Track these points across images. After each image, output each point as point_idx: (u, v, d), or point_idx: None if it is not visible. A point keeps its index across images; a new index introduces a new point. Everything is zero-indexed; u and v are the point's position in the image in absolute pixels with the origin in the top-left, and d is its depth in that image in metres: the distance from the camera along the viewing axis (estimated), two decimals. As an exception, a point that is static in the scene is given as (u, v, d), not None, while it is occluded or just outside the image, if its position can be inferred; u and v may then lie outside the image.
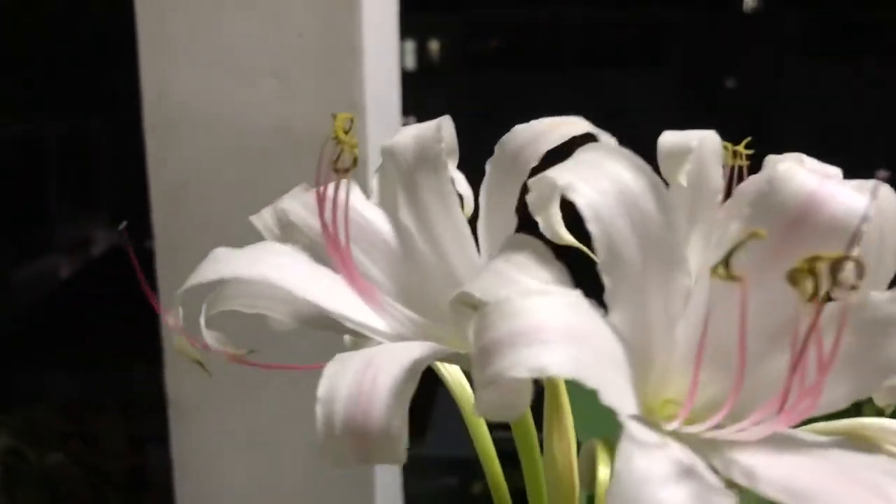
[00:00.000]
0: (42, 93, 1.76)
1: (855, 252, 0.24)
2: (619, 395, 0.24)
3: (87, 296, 1.83)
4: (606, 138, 0.28)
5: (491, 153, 0.32)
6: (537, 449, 0.33)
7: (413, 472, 1.21)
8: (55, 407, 1.62)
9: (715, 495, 0.21)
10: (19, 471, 1.46)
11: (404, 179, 0.33)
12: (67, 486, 1.58)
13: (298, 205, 0.33)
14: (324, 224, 0.31)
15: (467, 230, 0.33)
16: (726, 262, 0.23)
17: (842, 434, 0.31)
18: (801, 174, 0.26)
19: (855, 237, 0.24)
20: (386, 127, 1.04)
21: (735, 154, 0.38)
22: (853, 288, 0.23)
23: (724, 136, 0.37)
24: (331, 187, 0.31)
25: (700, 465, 0.23)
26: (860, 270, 0.23)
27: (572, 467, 0.33)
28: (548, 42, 1.92)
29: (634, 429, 0.22)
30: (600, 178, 0.25)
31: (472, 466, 1.21)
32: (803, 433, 0.27)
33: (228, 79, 0.97)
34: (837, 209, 0.25)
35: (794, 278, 0.23)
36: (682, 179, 0.35)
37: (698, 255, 0.33)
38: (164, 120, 0.98)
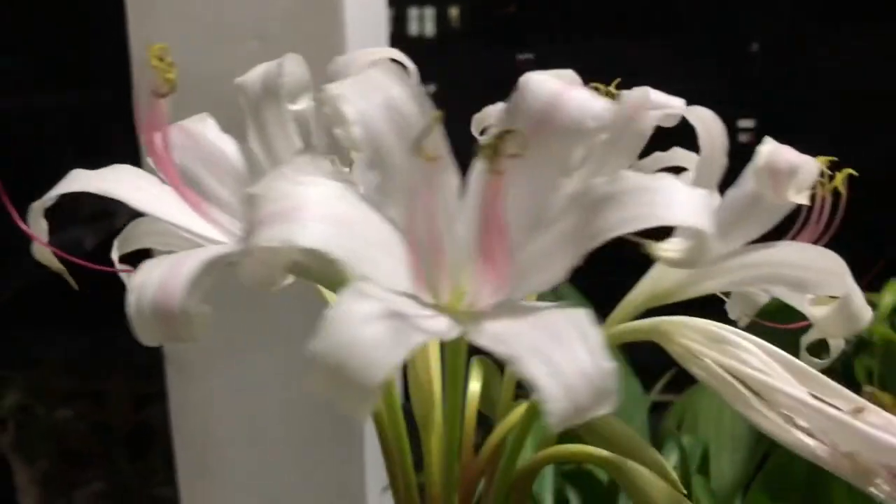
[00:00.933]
0: (55, 63, 1.78)
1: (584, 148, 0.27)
2: (375, 271, 0.26)
3: (105, 265, 1.87)
4: (409, 63, 0.31)
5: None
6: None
7: (411, 425, 1.25)
8: (63, 365, 1.66)
9: (415, 334, 0.24)
10: (29, 426, 1.51)
11: (252, 111, 0.36)
12: (74, 441, 1.64)
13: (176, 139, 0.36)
14: (150, 144, 0.33)
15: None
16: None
17: (646, 331, 0.33)
18: (548, 81, 0.29)
19: (590, 134, 0.27)
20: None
21: (608, 94, 0.40)
22: (514, 156, 0.26)
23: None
24: (155, 114, 0.34)
25: (419, 314, 0.25)
26: (521, 141, 0.26)
27: (429, 371, 0.36)
28: (570, 8, 1.91)
29: (358, 283, 0.25)
30: (368, 89, 0.28)
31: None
32: (537, 303, 0.28)
33: (213, 41, 0.98)
34: (574, 110, 0.28)
35: (479, 152, 0.27)
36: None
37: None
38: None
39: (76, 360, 1.70)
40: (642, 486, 0.34)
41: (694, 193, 0.27)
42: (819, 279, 0.33)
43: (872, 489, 0.29)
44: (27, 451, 1.51)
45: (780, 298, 0.37)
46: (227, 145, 0.36)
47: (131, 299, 0.27)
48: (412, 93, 0.29)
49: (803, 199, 0.34)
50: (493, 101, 0.40)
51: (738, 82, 1.85)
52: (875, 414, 0.29)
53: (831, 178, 0.36)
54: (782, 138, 0.37)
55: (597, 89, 0.37)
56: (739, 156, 0.37)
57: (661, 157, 0.42)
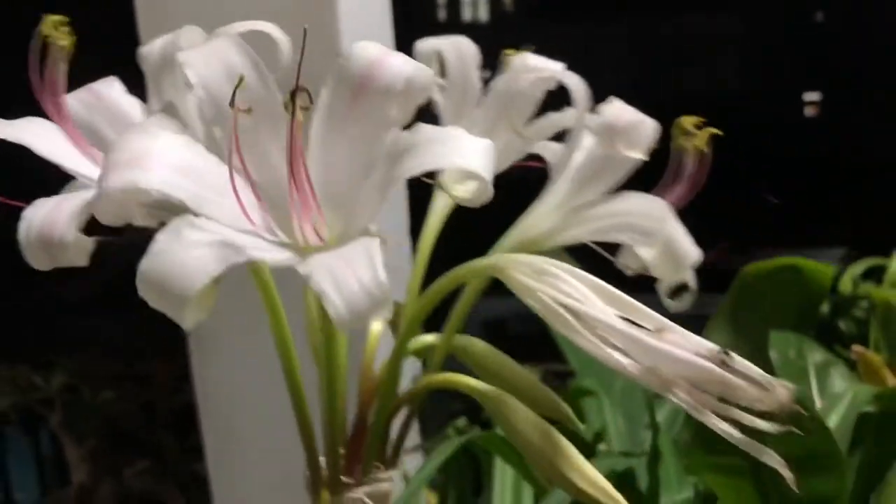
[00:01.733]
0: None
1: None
2: (215, 211, 0.31)
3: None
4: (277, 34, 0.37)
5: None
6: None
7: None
8: (108, 349, 1.75)
9: (234, 255, 0.28)
10: (75, 406, 1.60)
11: (152, 78, 0.40)
12: (121, 421, 1.73)
13: (76, 101, 0.41)
14: (53, 106, 0.37)
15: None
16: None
17: (485, 267, 0.36)
18: (370, 48, 0.33)
19: (409, 95, 0.31)
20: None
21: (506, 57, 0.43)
22: (306, 108, 0.32)
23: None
24: (55, 80, 0.38)
25: (243, 244, 0.30)
26: (309, 96, 0.31)
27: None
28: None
29: (186, 217, 0.29)
30: (209, 56, 0.33)
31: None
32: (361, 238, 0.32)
33: (214, 27, 1.03)
34: (387, 74, 0.33)
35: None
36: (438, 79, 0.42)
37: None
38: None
39: (121, 344, 1.79)
40: (509, 417, 0.37)
41: (478, 143, 0.31)
42: (649, 225, 0.36)
43: (672, 397, 0.32)
44: (76, 430, 1.60)
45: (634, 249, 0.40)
46: (132, 107, 0.41)
47: (21, 227, 0.31)
48: (248, 60, 0.34)
49: (640, 155, 0.37)
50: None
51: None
52: (674, 333, 0.32)
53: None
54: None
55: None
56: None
57: (554, 118, 0.45)
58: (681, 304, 0.41)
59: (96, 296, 1.97)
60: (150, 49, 0.40)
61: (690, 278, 0.40)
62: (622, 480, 0.80)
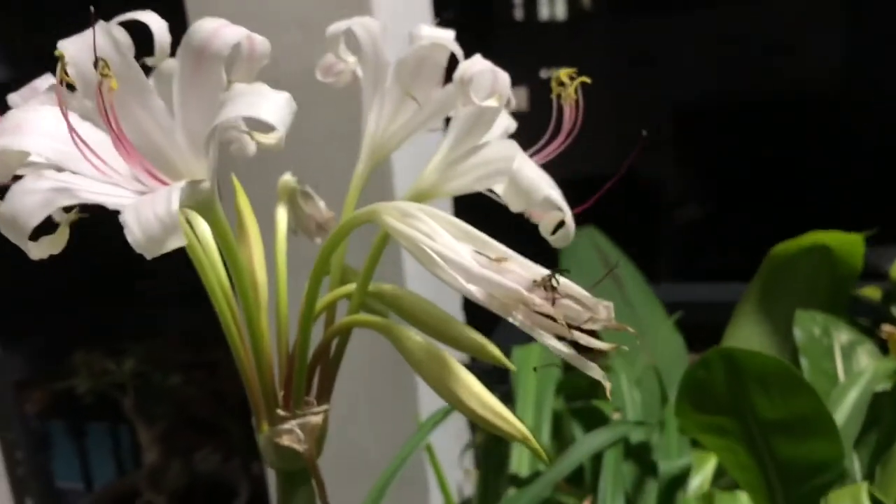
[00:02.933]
0: None
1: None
2: (80, 167, 0.36)
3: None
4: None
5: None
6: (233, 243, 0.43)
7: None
8: (179, 338, 1.84)
9: (65, 197, 0.34)
10: (146, 391, 1.69)
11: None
12: (191, 406, 1.81)
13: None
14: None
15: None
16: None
17: (366, 214, 0.40)
18: (205, 23, 0.40)
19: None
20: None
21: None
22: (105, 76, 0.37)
23: None
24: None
25: (59, 182, 0.35)
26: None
27: (254, 267, 0.45)
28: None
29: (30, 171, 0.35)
30: (80, 39, 0.39)
31: (493, 373, 1.32)
32: None
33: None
34: (216, 43, 0.39)
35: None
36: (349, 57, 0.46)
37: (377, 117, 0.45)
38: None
39: (191, 333, 1.88)
40: (406, 345, 0.41)
41: (279, 98, 0.35)
42: (503, 166, 0.40)
43: (511, 319, 0.35)
44: (147, 413, 1.70)
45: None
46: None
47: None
48: (112, 40, 0.39)
49: (495, 104, 0.40)
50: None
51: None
52: (513, 262, 0.35)
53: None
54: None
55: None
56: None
57: (449, 88, 0.48)
58: (559, 240, 0.44)
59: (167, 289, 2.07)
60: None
61: (566, 215, 0.43)
62: (629, 450, 0.82)
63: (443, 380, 0.39)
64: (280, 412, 0.43)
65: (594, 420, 0.89)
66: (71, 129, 0.36)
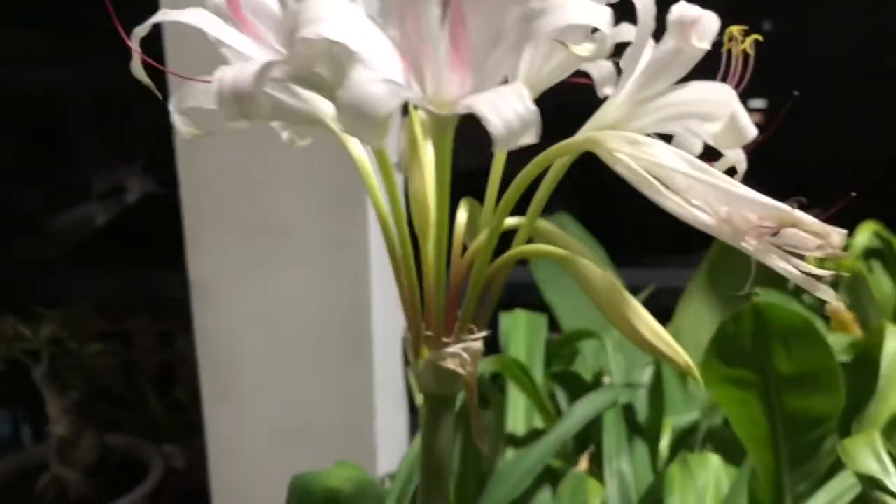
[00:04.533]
0: (72, 37, 1.85)
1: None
2: (379, 64, 0.35)
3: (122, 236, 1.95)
4: None
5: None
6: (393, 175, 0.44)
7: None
8: (93, 306, 1.76)
9: (399, 89, 0.34)
10: (62, 358, 1.61)
11: None
12: (104, 376, 1.74)
13: None
14: None
15: None
16: None
17: (581, 142, 0.42)
18: None
19: None
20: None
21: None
22: None
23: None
24: None
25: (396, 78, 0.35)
26: None
27: (426, 194, 0.45)
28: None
29: (359, 66, 0.34)
30: None
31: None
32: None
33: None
34: None
35: None
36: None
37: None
38: (185, 64, 1.08)
39: (106, 301, 1.80)
40: (586, 275, 0.42)
41: (598, 4, 0.36)
42: (715, 109, 0.42)
43: (743, 244, 0.38)
44: (59, 382, 1.62)
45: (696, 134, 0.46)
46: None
47: (214, 87, 0.36)
48: None
49: (706, 46, 0.42)
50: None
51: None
52: (744, 188, 0.38)
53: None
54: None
55: None
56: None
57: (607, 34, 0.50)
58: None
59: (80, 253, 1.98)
60: None
61: (742, 162, 0.46)
62: (627, 410, 0.86)
63: (622, 311, 0.41)
64: (444, 339, 0.43)
65: (575, 384, 0.93)
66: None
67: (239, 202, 1.17)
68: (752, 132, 0.42)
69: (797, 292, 1.16)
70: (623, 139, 0.39)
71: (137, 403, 1.82)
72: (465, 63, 0.36)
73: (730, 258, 1.11)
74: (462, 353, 0.43)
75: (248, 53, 0.42)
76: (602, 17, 0.36)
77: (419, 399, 0.47)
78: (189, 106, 0.46)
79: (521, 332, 0.93)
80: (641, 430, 0.85)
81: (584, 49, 0.39)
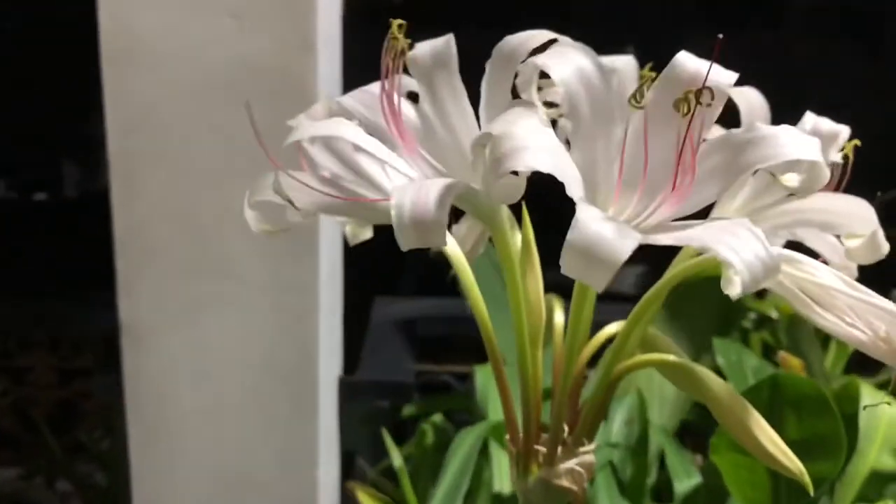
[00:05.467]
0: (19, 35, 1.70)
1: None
2: (575, 187, 0.35)
3: (38, 231, 1.80)
4: (567, 39, 0.39)
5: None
6: (519, 279, 0.42)
7: (349, 395, 1.30)
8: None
9: (629, 231, 0.32)
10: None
11: (424, 79, 0.42)
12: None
13: (352, 100, 0.43)
14: (386, 96, 0.41)
15: (472, 114, 0.42)
16: (637, 96, 0.37)
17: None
18: (692, 58, 0.39)
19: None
20: (332, 61, 1.11)
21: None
22: (708, 105, 0.36)
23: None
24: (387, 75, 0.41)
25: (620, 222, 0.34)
26: (711, 95, 0.36)
27: (540, 300, 0.43)
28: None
29: (583, 203, 0.33)
30: (566, 61, 0.37)
31: (402, 391, 1.30)
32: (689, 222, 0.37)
33: (187, 18, 1.01)
34: (714, 80, 0.38)
35: (676, 105, 0.36)
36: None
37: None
38: (121, 52, 1.02)
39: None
40: (709, 386, 0.41)
41: (810, 138, 0.36)
42: (847, 221, 0.41)
43: None
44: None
45: (802, 240, 0.45)
46: (405, 106, 0.42)
47: (394, 212, 0.33)
48: (596, 64, 0.38)
49: (837, 158, 0.42)
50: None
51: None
52: None
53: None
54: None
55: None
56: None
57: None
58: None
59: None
60: (419, 53, 0.42)
61: (854, 269, 0.46)
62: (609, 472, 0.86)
63: (744, 422, 0.40)
64: (560, 454, 0.41)
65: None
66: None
67: (178, 243, 1.10)
68: (886, 249, 0.42)
69: (745, 339, 1.20)
70: (777, 256, 0.38)
71: (33, 443, 1.69)
72: (682, 195, 0.35)
73: (691, 291, 1.13)
74: (578, 469, 0.41)
75: (397, 167, 0.39)
76: (814, 151, 0.35)
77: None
78: (264, 200, 0.42)
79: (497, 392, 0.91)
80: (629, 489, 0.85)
81: (793, 180, 0.38)
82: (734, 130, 0.37)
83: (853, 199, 0.42)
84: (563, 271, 0.32)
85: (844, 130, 0.42)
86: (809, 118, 0.43)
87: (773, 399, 0.67)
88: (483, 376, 0.93)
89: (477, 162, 0.37)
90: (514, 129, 0.34)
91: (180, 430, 1.19)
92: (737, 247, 0.32)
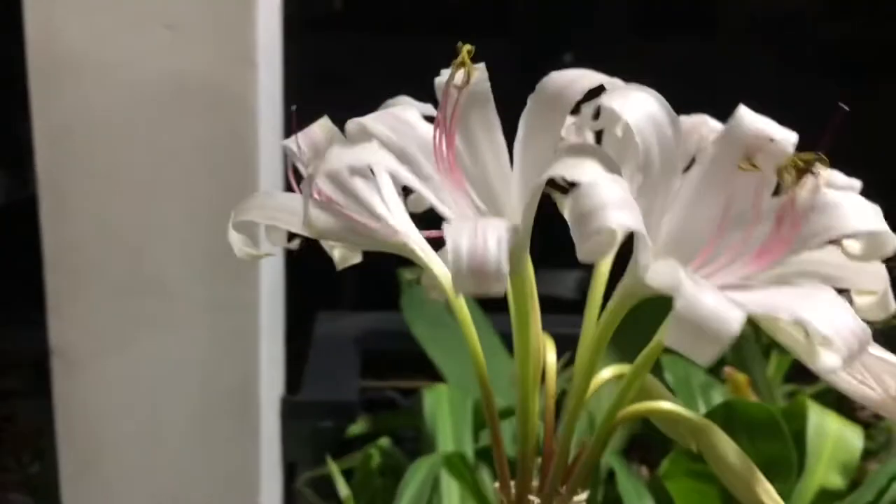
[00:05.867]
0: None
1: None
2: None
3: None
4: (618, 81, 0.38)
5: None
6: (530, 322, 0.40)
7: (292, 415, 1.27)
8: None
9: (733, 305, 0.31)
10: None
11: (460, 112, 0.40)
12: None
13: (380, 124, 0.40)
14: (442, 123, 0.39)
15: (506, 152, 0.40)
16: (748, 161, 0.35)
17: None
18: (755, 115, 0.37)
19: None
20: (272, 75, 1.07)
21: None
22: (820, 174, 0.35)
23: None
24: (450, 102, 0.39)
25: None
26: (823, 162, 0.35)
27: (540, 345, 0.41)
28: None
29: (681, 272, 0.32)
30: (640, 106, 0.35)
31: (347, 409, 1.27)
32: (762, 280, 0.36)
33: (119, 28, 0.97)
34: (778, 139, 0.36)
35: (779, 173, 0.35)
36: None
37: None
38: (50, 64, 0.97)
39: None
40: (717, 445, 0.40)
41: (872, 206, 0.35)
42: (858, 277, 0.40)
43: None
44: None
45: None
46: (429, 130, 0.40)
47: (450, 259, 0.31)
48: (668, 112, 0.35)
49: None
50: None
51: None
52: None
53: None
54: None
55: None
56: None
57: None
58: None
59: None
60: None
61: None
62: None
63: (749, 482, 0.39)
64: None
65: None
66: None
67: (111, 262, 1.05)
68: (894, 307, 0.41)
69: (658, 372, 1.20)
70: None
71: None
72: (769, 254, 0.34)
73: (632, 311, 1.13)
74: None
75: (432, 199, 0.38)
76: (878, 221, 0.35)
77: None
78: (250, 220, 0.39)
79: (447, 414, 0.90)
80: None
81: (856, 248, 0.36)
82: (801, 193, 0.35)
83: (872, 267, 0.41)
84: (667, 344, 0.30)
85: (856, 184, 0.41)
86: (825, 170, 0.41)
87: (726, 425, 0.66)
88: (432, 398, 0.91)
89: (528, 202, 0.35)
90: (602, 181, 0.32)
91: (115, 456, 1.14)
92: (833, 320, 0.31)
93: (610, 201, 0.31)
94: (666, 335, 0.30)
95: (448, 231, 0.32)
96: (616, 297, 0.38)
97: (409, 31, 1.64)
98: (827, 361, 0.31)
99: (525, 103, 0.39)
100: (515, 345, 0.40)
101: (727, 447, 0.40)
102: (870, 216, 0.35)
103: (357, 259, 0.43)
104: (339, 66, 1.58)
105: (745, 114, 0.37)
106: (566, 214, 0.34)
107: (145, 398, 1.12)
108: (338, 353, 1.43)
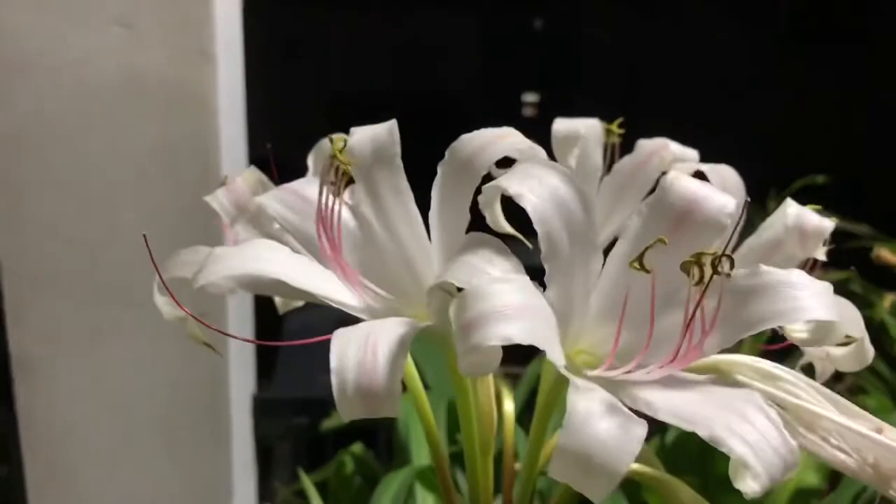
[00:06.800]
0: None
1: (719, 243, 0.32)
2: (556, 352, 0.30)
3: None
4: (540, 151, 0.34)
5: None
6: (470, 391, 0.38)
7: (264, 414, 1.24)
8: None
9: (634, 424, 0.28)
10: None
11: (363, 175, 0.37)
12: None
13: (277, 203, 0.37)
14: (323, 225, 0.34)
15: (420, 220, 0.37)
16: (640, 259, 0.31)
17: (704, 370, 0.38)
18: (685, 181, 0.33)
19: (725, 230, 0.33)
20: (233, 68, 1.04)
21: (609, 132, 0.45)
22: (728, 276, 0.31)
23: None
24: (325, 196, 0.36)
25: (618, 403, 0.29)
26: (731, 263, 0.31)
27: (492, 408, 0.39)
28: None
29: (576, 380, 0.28)
30: (542, 189, 0.31)
31: (321, 406, 1.25)
32: (685, 374, 0.33)
33: (72, 26, 0.93)
34: (711, 209, 0.33)
35: (685, 268, 0.31)
36: (572, 161, 0.42)
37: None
38: (1, 65, 0.93)
39: None
40: (679, 497, 0.39)
41: (823, 288, 0.32)
42: (854, 329, 0.38)
43: (892, 492, 0.34)
44: None
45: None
46: (339, 207, 0.37)
47: (333, 381, 0.28)
48: (576, 190, 0.32)
49: (822, 256, 0.39)
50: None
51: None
52: (891, 431, 0.35)
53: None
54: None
55: (608, 131, 0.42)
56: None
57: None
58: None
59: None
60: (358, 143, 0.37)
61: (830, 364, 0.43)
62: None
63: None
64: None
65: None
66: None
67: (70, 268, 1.02)
68: (871, 356, 0.39)
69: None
70: (757, 371, 0.35)
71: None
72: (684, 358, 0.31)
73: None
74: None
75: (331, 297, 0.36)
76: (831, 311, 0.31)
77: None
78: (180, 277, 0.37)
79: (418, 421, 0.87)
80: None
81: (801, 332, 0.34)
82: (738, 272, 0.32)
83: (842, 302, 0.38)
84: (551, 475, 0.27)
85: (828, 224, 0.39)
86: (793, 210, 0.39)
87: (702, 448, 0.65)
88: (404, 406, 0.89)
89: (433, 304, 0.33)
90: (484, 286, 0.29)
91: (83, 464, 1.11)
92: (750, 438, 0.28)
93: (493, 312, 0.28)
94: (550, 465, 0.27)
95: (334, 343, 0.29)
96: (543, 384, 0.36)
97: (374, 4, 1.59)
98: (745, 486, 0.29)
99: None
100: (460, 411, 0.37)
101: (689, 498, 0.38)
102: (821, 304, 0.32)
103: (299, 304, 0.41)
104: (302, 38, 1.52)
105: (673, 180, 0.33)
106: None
107: (112, 404, 1.09)
108: (309, 348, 1.41)
